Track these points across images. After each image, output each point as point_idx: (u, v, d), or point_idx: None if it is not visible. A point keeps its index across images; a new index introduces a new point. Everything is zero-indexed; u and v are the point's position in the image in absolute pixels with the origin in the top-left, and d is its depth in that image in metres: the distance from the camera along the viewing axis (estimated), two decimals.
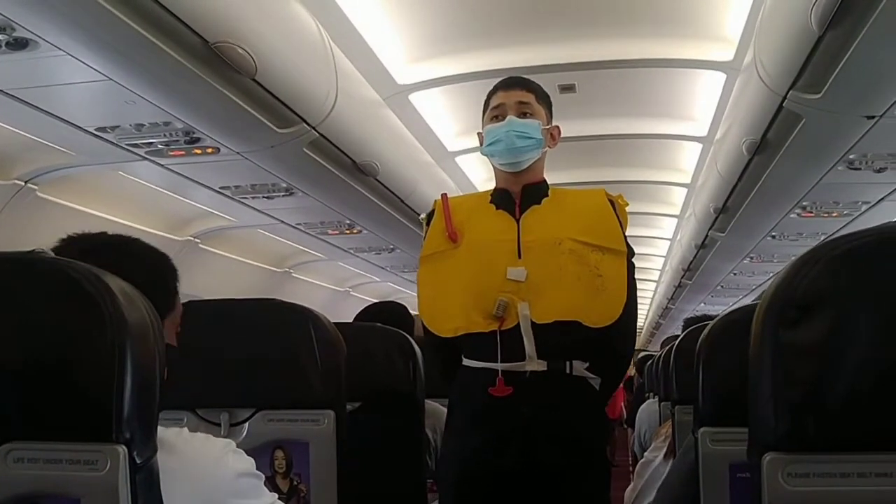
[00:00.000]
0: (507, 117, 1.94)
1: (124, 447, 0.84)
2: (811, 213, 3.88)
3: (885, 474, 0.80)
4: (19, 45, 1.94)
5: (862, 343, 0.82)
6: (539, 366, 1.85)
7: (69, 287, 0.87)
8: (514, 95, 1.98)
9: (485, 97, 2.05)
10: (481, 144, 2.01)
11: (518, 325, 1.84)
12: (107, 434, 0.84)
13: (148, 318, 0.93)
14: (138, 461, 0.86)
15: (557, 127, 2.03)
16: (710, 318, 2.79)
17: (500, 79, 2.04)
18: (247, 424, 1.64)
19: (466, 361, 1.95)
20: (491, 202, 1.99)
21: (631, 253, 1.95)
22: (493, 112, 1.99)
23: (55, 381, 0.86)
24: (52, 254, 1.00)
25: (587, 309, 1.86)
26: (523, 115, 1.95)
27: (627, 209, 2.01)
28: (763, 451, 0.84)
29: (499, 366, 1.84)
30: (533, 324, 1.84)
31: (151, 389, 0.91)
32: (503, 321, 1.84)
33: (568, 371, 1.88)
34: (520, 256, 1.88)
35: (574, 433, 1.87)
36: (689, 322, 3.45)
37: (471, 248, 1.92)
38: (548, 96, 2.04)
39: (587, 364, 1.93)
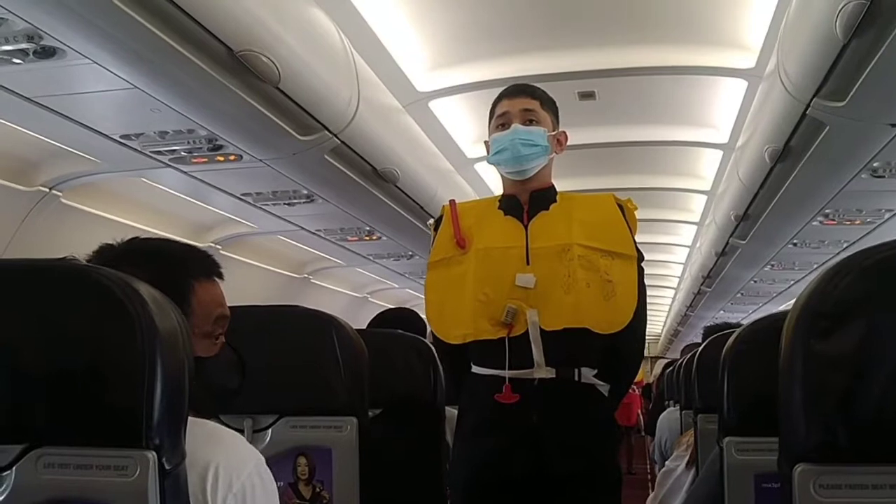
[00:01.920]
0: (512, 125, 1.93)
1: (154, 453, 0.85)
2: (833, 220, 3.84)
3: None
4: (47, 53, 1.95)
5: (893, 353, 0.82)
6: (548, 373, 1.84)
7: (100, 294, 0.88)
8: (519, 103, 1.97)
9: None
10: (488, 153, 2.00)
11: (527, 332, 1.84)
12: (136, 440, 0.85)
13: (177, 325, 0.93)
14: (167, 467, 0.87)
15: (564, 132, 2.02)
16: (731, 326, 2.77)
17: None
18: (270, 431, 1.65)
19: (475, 368, 1.94)
20: (499, 208, 1.99)
21: (640, 258, 1.94)
22: (499, 120, 1.98)
23: (86, 386, 0.86)
24: (83, 261, 1.01)
25: (597, 315, 1.84)
26: (528, 122, 1.94)
27: (645, 215, 2.00)
28: (794, 462, 0.84)
29: (507, 373, 1.83)
30: (541, 331, 1.84)
31: (181, 395, 0.92)
32: (512, 328, 1.84)
33: (577, 378, 1.87)
34: (528, 263, 1.88)
35: (583, 441, 1.86)
36: (709, 330, 3.42)
37: (479, 254, 1.92)
38: (553, 102, 2.03)
39: (595, 371, 1.91)
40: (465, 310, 1.89)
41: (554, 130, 1.99)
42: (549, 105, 2.01)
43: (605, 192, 2.04)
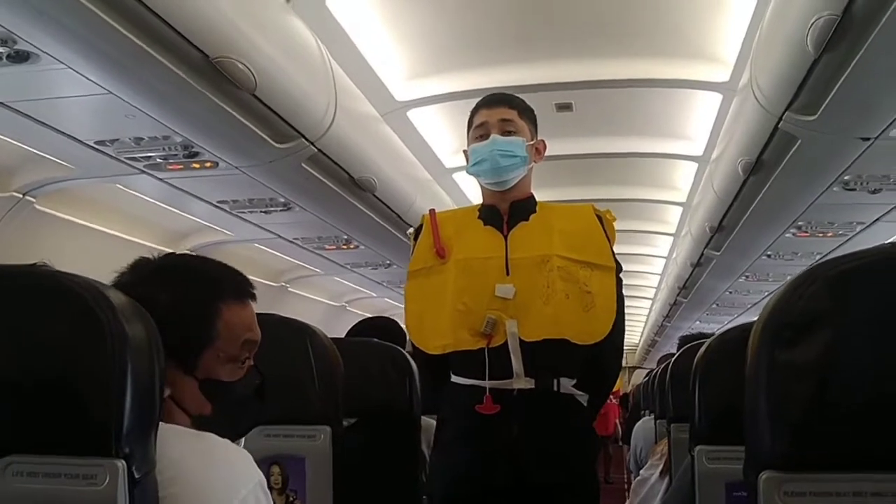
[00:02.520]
0: (491, 136, 1.93)
1: (123, 462, 0.85)
2: (806, 232, 3.89)
3: (881, 494, 0.81)
4: (21, 57, 1.94)
5: (857, 362, 0.83)
6: (527, 383, 1.84)
7: (70, 300, 0.87)
8: (497, 113, 1.96)
9: None
10: (468, 162, 2.00)
11: (506, 342, 1.84)
12: (106, 448, 0.85)
13: (148, 333, 0.93)
14: (137, 475, 0.86)
15: (542, 141, 2.02)
16: (706, 336, 2.79)
17: None
18: (243, 439, 1.64)
19: (454, 378, 1.94)
20: (479, 218, 1.99)
21: (619, 268, 1.94)
22: (477, 131, 1.97)
23: (55, 394, 0.86)
24: (54, 267, 1.00)
25: (576, 326, 1.85)
26: (507, 132, 1.94)
27: (622, 226, 2.01)
28: (760, 470, 0.85)
29: (486, 383, 1.83)
30: (521, 341, 1.83)
31: (151, 404, 0.91)
32: (491, 339, 1.83)
33: (556, 389, 1.87)
34: (508, 273, 1.88)
35: (562, 451, 1.86)
36: (684, 340, 3.45)
37: (459, 264, 1.91)
38: (531, 111, 2.03)
39: (575, 381, 1.91)
40: (445, 320, 1.89)
41: (532, 140, 1.99)
42: (527, 114, 2.01)
43: (583, 203, 2.06)
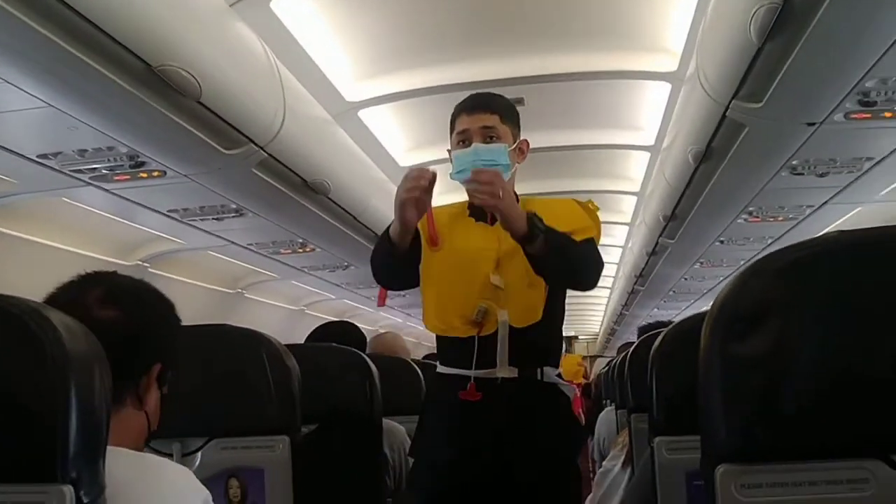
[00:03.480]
0: (473, 145, 1.91)
1: (70, 487, 0.82)
2: (757, 218, 3.95)
3: (835, 481, 0.82)
4: None
5: (808, 352, 0.84)
6: (510, 372, 1.86)
7: (9, 323, 0.85)
8: (478, 119, 1.94)
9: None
10: (452, 162, 1.97)
11: (495, 332, 1.86)
12: (52, 474, 0.82)
13: (93, 354, 0.90)
14: (85, 501, 0.84)
15: (525, 140, 2.02)
16: (664, 324, 2.83)
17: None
18: (199, 454, 1.62)
19: (440, 368, 1.97)
20: (470, 215, 2.00)
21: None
22: (459, 137, 1.95)
23: None
24: None
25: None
26: (489, 139, 1.92)
27: None
28: (716, 464, 0.85)
29: (472, 372, 1.85)
30: (511, 329, 1.86)
31: (98, 426, 0.89)
32: (482, 327, 1.87)
33: (539, 377, 1.90)
34: (498, 265, 1.90)
35: (546, 442, 1.87)
36: (642, 329, 3.48)
37: (453, 254, 1.94)
38: (514, 112, 2.01)
39: (559, 370, 1.95)
40: (437, 306, 1.94)
41: (515, 142, 1.97)
42: (510, 116, 1.99)
43: (542, 198, 2.07)
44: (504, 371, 1.86)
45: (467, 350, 1.87)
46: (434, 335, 2.01)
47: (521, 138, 2.02)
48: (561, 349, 2.05)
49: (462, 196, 1.92)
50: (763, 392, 0.84)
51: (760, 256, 0.89)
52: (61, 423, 0.83)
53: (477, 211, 1.99)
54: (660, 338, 1.50)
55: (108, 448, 0.95)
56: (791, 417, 0.83)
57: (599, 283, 2.04)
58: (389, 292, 2.16)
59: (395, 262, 1.93)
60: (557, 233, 1.82)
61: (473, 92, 2.05)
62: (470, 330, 1.88)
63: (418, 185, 1.81)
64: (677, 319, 1.74)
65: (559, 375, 1.96)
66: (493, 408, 1.85)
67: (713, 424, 0.86)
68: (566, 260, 1.85)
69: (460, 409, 1.87)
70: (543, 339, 1.93)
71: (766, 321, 0.84)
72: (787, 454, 0.83)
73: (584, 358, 14.03)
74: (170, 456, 1.59)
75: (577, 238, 1.88)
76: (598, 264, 1.95)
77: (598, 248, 1.98)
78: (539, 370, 1.90)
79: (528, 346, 1.88)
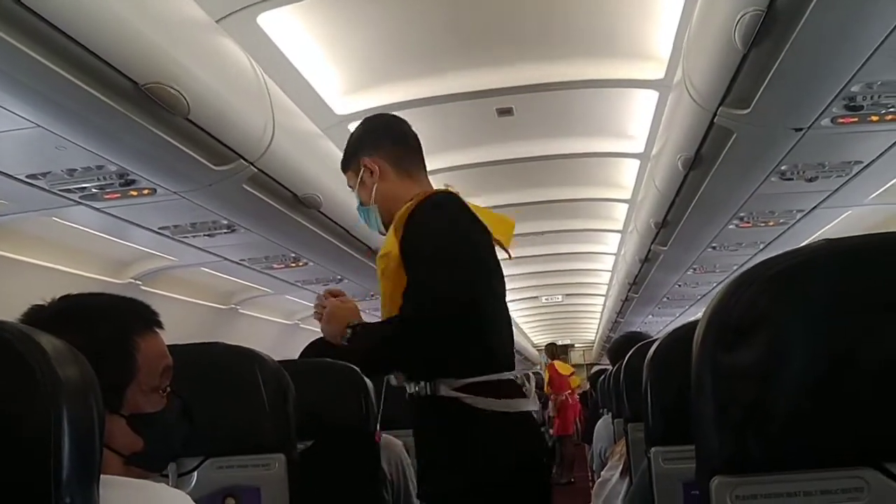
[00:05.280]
0: None
1: None
2: (748, 223, 3.97)
3: (830, 491, 0.82)
4: None
5: (799, 361, 0.84)
6: (412, 388, 1.79)
7: None
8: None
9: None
10: None
11: None
12: (46, 500, 0.81)
13: (84, 376, 0.90)
14: None
15: (367, 160, 1.94)
16: (639, 337, 2.85)
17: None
18: (195, 473, 1.61)
19: None
20: None
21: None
22: None
23: None
24: None
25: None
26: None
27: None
28: (711, 475, 0.85)
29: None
30: None
31: (91, 451, 0.88)
32: None
33: (429, 392, 1.75)
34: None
35: (446, 460, 1.75)
36: (614, 344, 3.52)
37: None
38: (351, 148, 1.99)
39: (463, 383, 1.73)
40: None
41: (359, 174, 1.95)
42: (349, 158, 1.99)
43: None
44: (410, 387, 1.79)
45: None
46: None
47: (369, 158, 1.94)
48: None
49: None
50: (755, 402, 0.84)
51: (753, 261, 0.90)
52: (55, 449, 0.82)
53: None
54: (653, 348, 1.50)
55: (106, 477, 0.94)
56: (784, 427, 0.83)
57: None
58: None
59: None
60: (362, 335, 1.77)
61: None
62: None
63: (319, 309, 1.88)
64: (671, 326, 1.73)
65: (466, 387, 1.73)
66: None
67: (707, 436, 0.86)
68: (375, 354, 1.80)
69: None
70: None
71: (757, 331, 0.84)
72: (781, 464, 0.83)
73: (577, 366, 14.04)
74: (166, 476, 1.58)
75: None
76: (425, 328, 1.66)
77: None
78: (429, 384, 1.75)
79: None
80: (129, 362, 1.12)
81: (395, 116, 2.07)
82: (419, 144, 2.01)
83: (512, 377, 1.77)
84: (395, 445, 2.61)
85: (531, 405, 1.78)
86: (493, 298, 1.79)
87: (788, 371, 0.83)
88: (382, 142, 1.96)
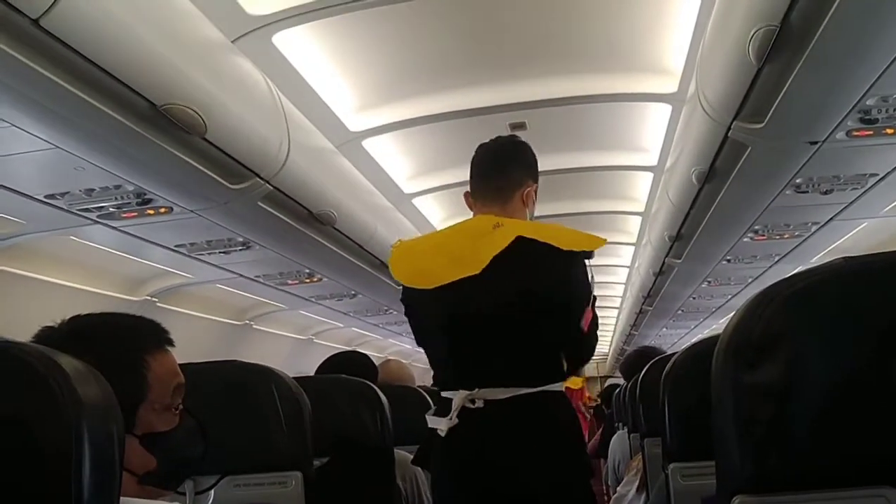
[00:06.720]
0: None
1: None
2: (763, 236, 3.95)
3: None
4: None
5: (819, 379, 0.83)
6: None
7: (19, 369, 0.84)
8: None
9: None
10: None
11: None
12: None
13: (105, 397, 0.90)
14: None
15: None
16: (651, 352, 2.85)
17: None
18: (212, 492, 1.61)
19: None
20: None
21: None
22: None
23: (10, 468, 0.83)
24: None
25: None
26: None
27: None
28: (732, 494, 0.85)
29: None
30: None
31: (111, 472, 0.88)
32: None
33: None
34: None
35: None
36: (627, 360, 3.50)
37: None
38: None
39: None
40: None
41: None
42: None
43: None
44: None
45: None
46: None
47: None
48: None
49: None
50: (777, 421, 0.83)
51: (768, 273, 0.90)
52: (75, 470, 0.82)
53: None
54: (671, 363, 1.50)
55: (125, 499, 0.94)
56: (805, 446, 0.83)
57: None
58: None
59: None
60: None
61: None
62: None
63: None
64: (686, 339, 1.72)
65: None
66: None
67: (727, 454, 0.86)
68: None
69: None
70: None
71: (777, 349, 0.84)
72: (802, 483, 0.83)
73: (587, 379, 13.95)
74: (183, 495, 1.58)
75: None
76: None
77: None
78: None
79: None
80: (139, 381, 1.12)
81: None
82: None
83: None
84: (409, 460, 2.60)
85: None
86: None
87: (809, 389, 0.83)
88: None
